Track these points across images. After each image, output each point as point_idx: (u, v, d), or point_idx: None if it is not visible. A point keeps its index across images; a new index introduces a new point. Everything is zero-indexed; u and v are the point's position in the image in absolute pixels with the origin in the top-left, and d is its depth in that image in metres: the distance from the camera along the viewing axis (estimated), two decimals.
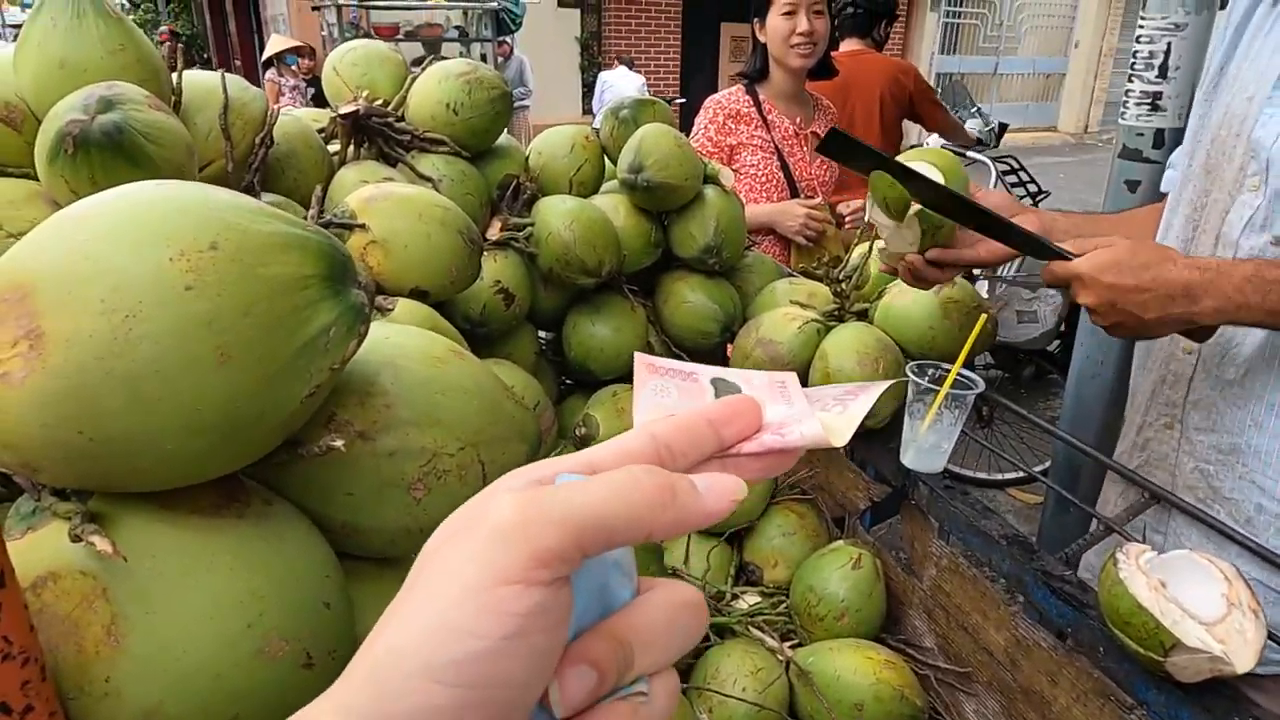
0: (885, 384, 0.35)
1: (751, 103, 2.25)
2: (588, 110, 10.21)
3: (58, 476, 0.38)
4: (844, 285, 1.35)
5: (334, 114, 1.28)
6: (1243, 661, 0.74)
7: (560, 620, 0.23)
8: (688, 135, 1.46)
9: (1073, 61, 14.10)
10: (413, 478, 0.48)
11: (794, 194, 2.26)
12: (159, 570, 0.37)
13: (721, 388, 0.33)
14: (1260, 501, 1.07)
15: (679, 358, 1.51)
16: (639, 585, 0.27)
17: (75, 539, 0.36)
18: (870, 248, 1.39)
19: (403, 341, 0.51)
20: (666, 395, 0.32)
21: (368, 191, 0.98)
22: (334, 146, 1.30)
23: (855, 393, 0.34)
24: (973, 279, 2.86)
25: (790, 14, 2.14)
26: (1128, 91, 1.64)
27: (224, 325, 0.36)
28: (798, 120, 2.29)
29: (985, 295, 2.76)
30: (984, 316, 1.13)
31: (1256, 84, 1.03)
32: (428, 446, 0.48)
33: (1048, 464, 2.42)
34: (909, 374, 1.16)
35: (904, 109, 3.04)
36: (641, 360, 0.34)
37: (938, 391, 1.12)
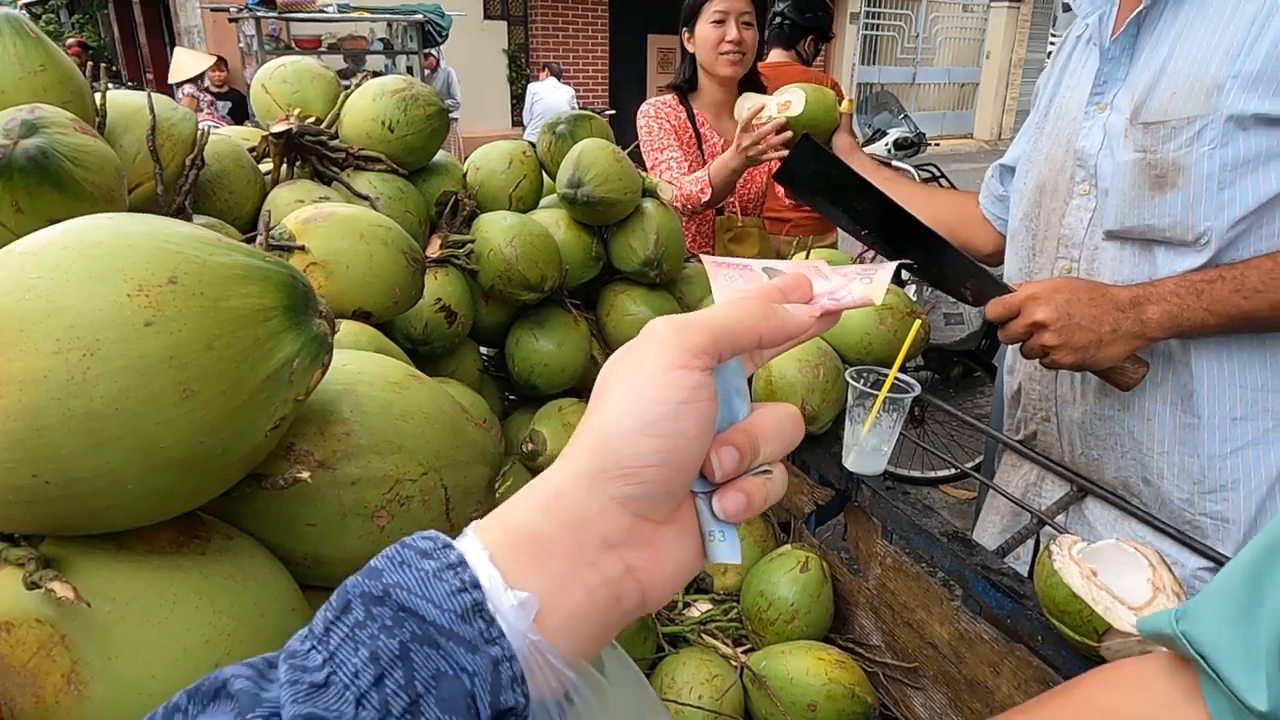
0: (894, 264, 0.44)
1: (683, 108, 2.28)
2: (518, 122, 10.17)
3: (11, 522, 0.36)
4: None
5: (265, 133, 1.25)
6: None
7: (711, 396, 0.33)
8: (621, 146, 1.47)
9: (985, 72, 14.70)
10: (375, 505, 0.47)
11: (719, 212, 2.28)
12: (119, 614, 0.36)
13: (772, 273, 0.43)
14: (1144, 478, 1.18)
15: None
16: (753, 408, 0.38)
17: (32, 586, 0.35)
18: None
19: (361, 368, 0.50)
20: (734, 281, 0.42)
21: (306, 212, 0.96)
22: (265, 166, 1.27)
23: (873, 269, 0.42)
24: (902, 284, 2.96)
25: (720, 23, 2.16)
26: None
27: (186, 360, 0.35)
28: (725, 137, 2.29)
29: (915, 300, 2.86)
30: (918, 323, 1.18)
31: (1076, 105, 1.16)
32: (390, 473, 0.48)
33: (978, 460, 2.51)
34: (848, 380, 1.20)
35: None
36: (707, 260, 0.44)
37: (876, 396, 1.15)
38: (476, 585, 0.30)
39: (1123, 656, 0.81)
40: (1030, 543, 1.25)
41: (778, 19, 3.03)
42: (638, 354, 0.33)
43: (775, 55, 3.19)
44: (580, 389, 1.50)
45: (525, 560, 0.31)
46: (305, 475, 0.41)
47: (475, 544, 0.31)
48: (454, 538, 0.54)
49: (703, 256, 0.44)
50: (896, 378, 1.17)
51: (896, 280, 2.97)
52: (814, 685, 1.04)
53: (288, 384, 0.39)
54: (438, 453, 0.50)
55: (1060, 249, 1.20)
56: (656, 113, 2.25)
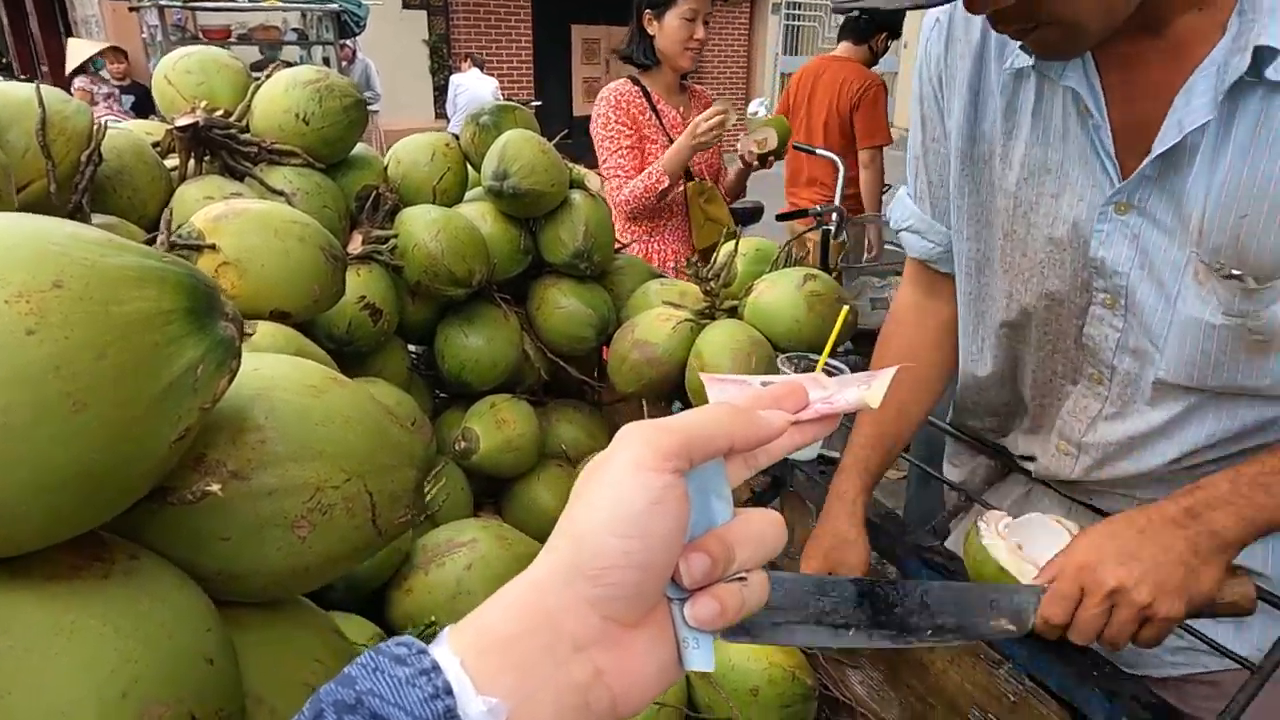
0: (894, 369, 0.44)
1: (641, 93, 2.37)
2: (440, 114, 9.97)
3: None
4: (713, 284, 1.38)
5: (170, 126, 1.19)
6: None
7: (681, 499, 0.34)
8: (548, 138, 1.45)
9: (903, 61, 15.06)
10: (295, 515, 0.45)
11: (689, 178, 2.37)
12: (15, 645, 0.33)
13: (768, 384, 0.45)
14: None
15: (556, 363, 1.50)
16: (735, 514, 0.38)
17: None
18: (735, 247, 1.43)
19: (275, 372, 0.48)
20: (728, 393, 0.43)
21: (216, 209, 0.91)
22: (171, 161, 1.21)
23: (872, 376, 0.43)
24: (829, 270, 3.01)
25: (690, 20, 2.28)
26: None
27: (75, 370, 0.33)
28: (679, 110, 2.43)
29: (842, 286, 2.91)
30: (845, 309, 1.19)
31: (1071, 191, 0.87)
32: (310, 481, 0.46)
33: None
34: (780, 366, 1.21)
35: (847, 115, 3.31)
36: (708, 378, 0.46)
37: None
38: (449, 691, 0.30)
39: None
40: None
41: (857, 13, 3.10)
42: (611, 457, 0.34)
43: (843, 49, 3.30)
44: (512, 384, 1.47)
45: (495, 664, 0.31)
46: (215, 488, 0.38)
47: (448, 649, 0.32)
48: (382, 544, 0.52)
49: (702, 375, 0.46)
50: (827, 363, 1.18)
51: (824, 268, 3.02)
52: (755, 670, 1.05)
53: (191, 392, 0.36)
54: (361, 457, 0.48)
55: (1083, 358, 0.96)
56: (617, 101, 2.35)
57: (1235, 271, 0.78)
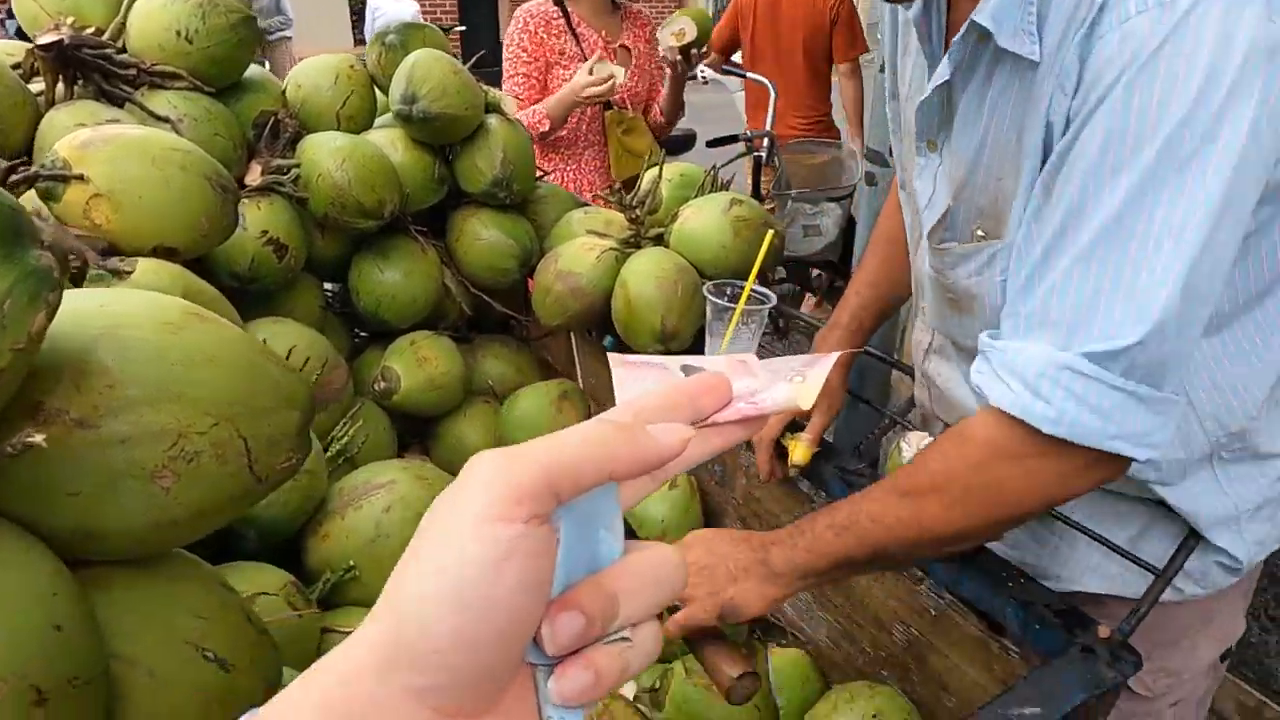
0: (834, 355, 0.38)
1: (560, 14, 2.22)
2: (360, 40, 9.46)
3: None
4: (638, 211, 1.34)
5: (31, 45, 1.08)
6: None
7: (542, 553, 0.26)
8: (465, 63, 1.37)
9: None
10: (155, 465, 0.41)
11: (608, 107, 2.25)
12: None
13: (690, 372, 0.36)
14: None
15: (479, 298, 1.45)
16: (627, 548, 0.30)
17: None
18: (660, 172, 1.39)
19: (124, 309, 0.43)
20: (644, 384, 0.36)
21: (83, 135, 0.83)
22: (38, 86, 1.10)
23: (810, 363, 0.37)
24: (760, 199, 2.98)
25: None
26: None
27: None
28: (603, 33, 2.27)
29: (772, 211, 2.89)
30: (770, 233, 1.17)
31: (909, 117, 0.87)
32: (170, 427, 0.41)
33: None
34: (706, 294, 1.18)
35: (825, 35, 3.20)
36: (615, 360, 0.37)
37: (734, 309, 1.15)
38: None
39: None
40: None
41: None
42: (454, 498, 0.26)
43: None
44: (434, 321, 1.42)
45: None
46: (37, 439, 0.34)
47: None
48: (264, 491, 0.48)
49: (610, 356, 0.37)
50: (754, 289, 1.16)
51: (755, 196, 2.99)
52: None
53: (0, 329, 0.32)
54: (230, 400, 0.44)
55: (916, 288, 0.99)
56: (525, 23, 2.20)
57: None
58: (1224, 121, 0.59)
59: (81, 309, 0.42)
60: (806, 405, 0.34)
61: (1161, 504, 0.83)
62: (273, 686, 0.53)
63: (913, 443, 0.90)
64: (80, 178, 0.80)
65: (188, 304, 0.46)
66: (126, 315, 0.42)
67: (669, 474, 0.31)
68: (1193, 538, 0.83)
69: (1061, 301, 0.67)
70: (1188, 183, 0.60)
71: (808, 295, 3.41)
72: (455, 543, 0.25)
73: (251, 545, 0.90)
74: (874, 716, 0.88)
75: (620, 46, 2.29)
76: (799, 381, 0.35)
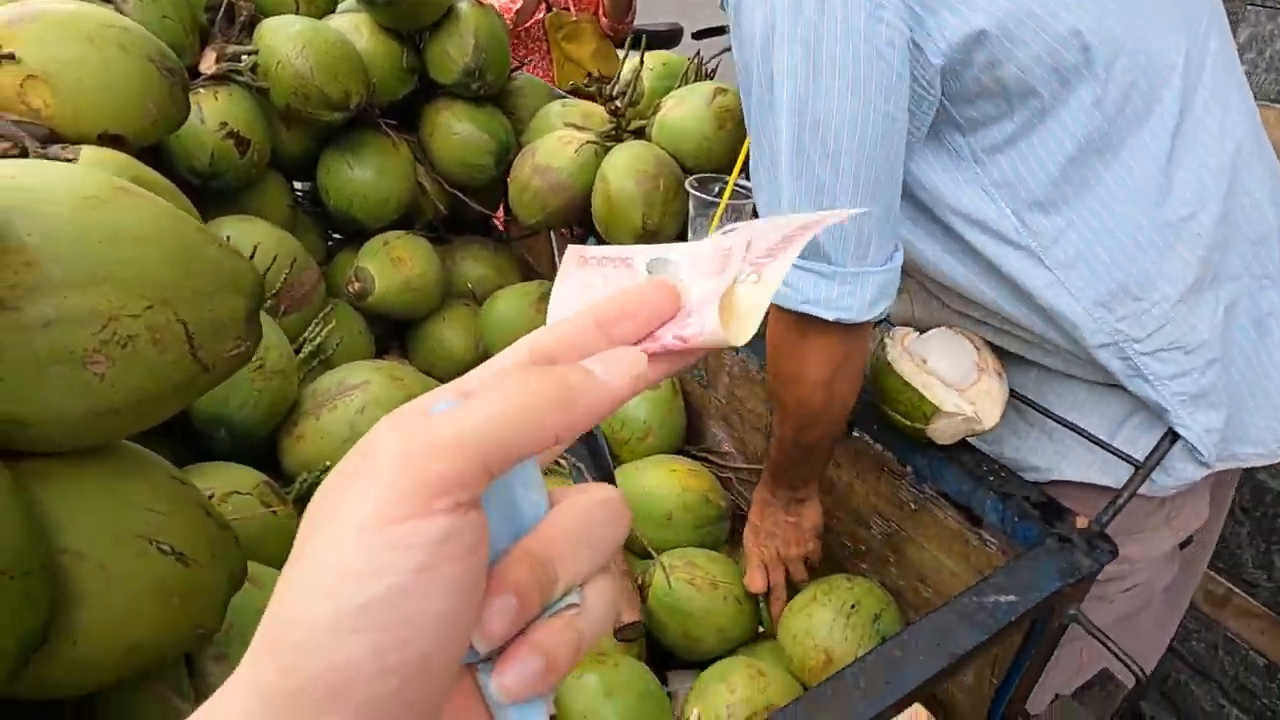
0: (814, 231, 0.27)
1: None
2: None
3: None
4: (618, 103, 1.28)
5: None
6: (990, 418, 0.82)
7: (474, 546, 0.21)
8: None
9: None
10: (86, 350, 0.38)
11: (548, 8, 2.11)
12: None
13: (656, 269, 0.29)
14: None
15: (455, 196, 1.40)
16: (551, 498, 0.25)
17: None
18: (641, 61, 1.32)
19: (39, 183, 0.39)
20: (590, 290, 0.28)
21: (9, 11, 0.77)
22: None
23: (783, 246, 0.27)
24: None
25: None
26: None
27: None
28: None
29: None
30: None
31: None
32: (100, 309, 0.39)
33: None
34: (689, 189, 1.14)
35: None
36: (573, 252, 0.29)
37: (718, 204, 1.11)
38: None
39: (949, 436, 0.84)
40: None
41: None
42: (344, 494, 0.21)
43: None
44: (408, 220, 1.37)
45: None
46: None
47: None
48: (212, 380, 0.46)
49: (569, 250, 0.30)
50: (737, 184, 1.12)
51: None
52: (668, 496, 1.05)
53: None
54: (164, 281, 0.41)
55: None
56: None
57: None
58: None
59: None
60: (739, 341, 0.26)
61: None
62: (237, 581, 0.52)
63: (897, 338, 0.88)
64: (11, 57, 0.74)
65: (113, 178, 0.42)
66: (42, 190, 0.39)
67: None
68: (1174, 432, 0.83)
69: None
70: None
71: None
72: (356, 548, 0.20)
73: (224, 446, 0.89)
74: (852, 607, 0.89)
75: None
76: (753, 281, 0.27)
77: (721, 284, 0.27)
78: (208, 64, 1.13)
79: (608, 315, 0.26)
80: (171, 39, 1.04)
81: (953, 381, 0.85)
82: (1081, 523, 0.78)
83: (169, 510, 0.46)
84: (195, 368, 0.43)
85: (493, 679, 0.22)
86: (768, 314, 0.73)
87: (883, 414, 0.88)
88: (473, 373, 0.25)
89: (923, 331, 0.89)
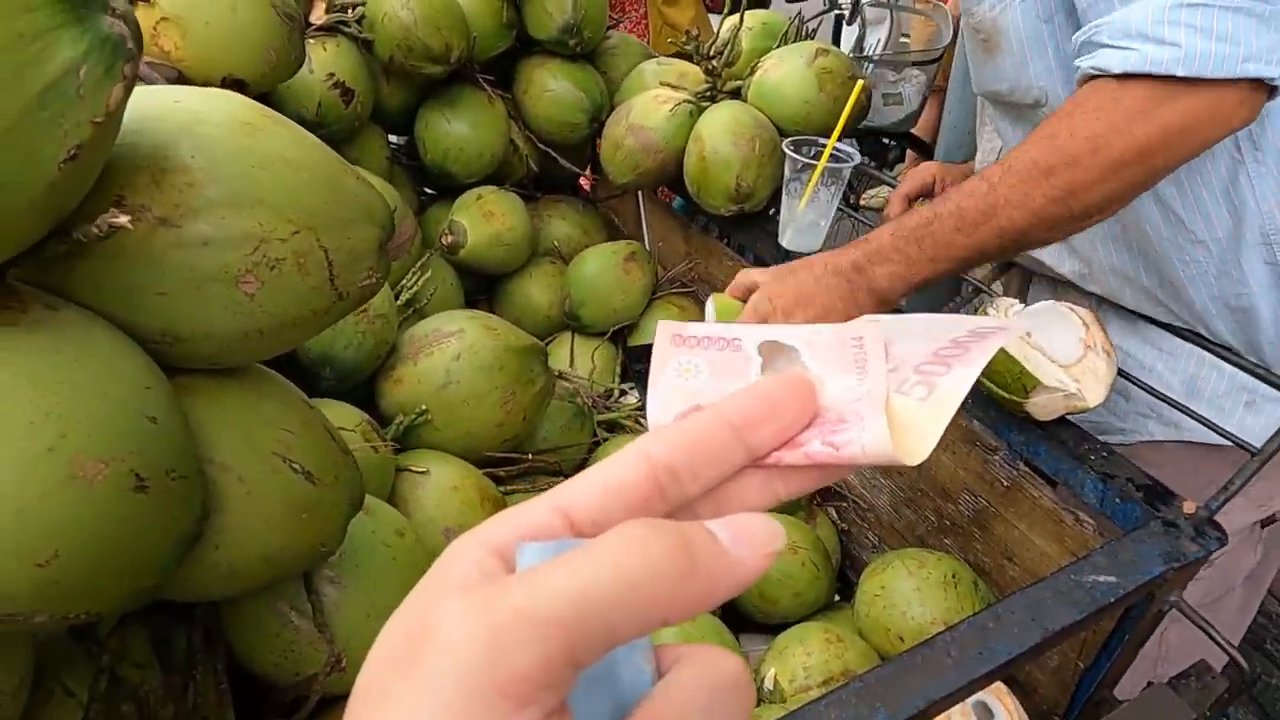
0: (997, 343, 0.23)
1: None
2: None
3: None
4: (715, 63, 1.26)
5: None
6: (1094, 396, 0.80)
7: None
8: None
9: None
10: (239, 270, 0.40)
11: None
12: None
13: (776, 358, 0.24)
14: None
15: (547, 154, 1.40)
16: (657, 660, 0.19)
17: None
18: (740, 20, 1.30)
19: (201, 106, 0.41)
20: (694, 376, 0.24)
21: None
22: None
23: (955, 352, 0.23)
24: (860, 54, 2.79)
25: None
26: None
27: None
28: None
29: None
30: (860, 83, 1.09)
31: None
32: (252, 231, 0.40)
33: None
34: (786, 151, 1.12)
35: None
36: (665, 331, 0.24)
37: (815, 166, 1.09)
38: None
39: (1048, 412, 0.82)
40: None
41: None
42: (396, 679, 0.17)
43: None
44: (500, 177, 1.39)
45: None
46: (123, 220, 0.33)
47: None
48: (344, 308, 0.48)
49: (659, 324, 0.25)
50: (835, 147, 1.10)
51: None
52: None
53: (76, 99, 0.30)
54: (310, 208, 0.42)
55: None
56: None
57: None
58: None
59: (156, 103, 0.40)
60: (914, 461, 0.22)
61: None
62: (356, 504, 0.54)
63: (1000, 309, 0.86)
64: (148, 0, 0.78)
65: (263, 107, 0.44)
66: (203, 113, 0.41)
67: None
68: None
69: None
70: None
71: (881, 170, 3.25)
72: None
73: (328, 384, 0.92)
74: (953, 576, 0.88)
75: None
76: (920, 398, 0.22)
77: (874, 388, 0.23)
78: (318, 14, 1.16)
79: (745, 417, 0.21)
80: None
81: (1057, 356, 0.82)
82: (1189, 507, 0.76)
83: (300, 431, 0.48)
84: (332, 295, 0.45)
85: None
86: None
87: (979, 385, 0.86)
88: (575, 483, 0.21)
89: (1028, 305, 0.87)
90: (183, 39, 0.80)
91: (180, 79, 0.81)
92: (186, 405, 0.43)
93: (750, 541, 0.19)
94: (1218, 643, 0.68)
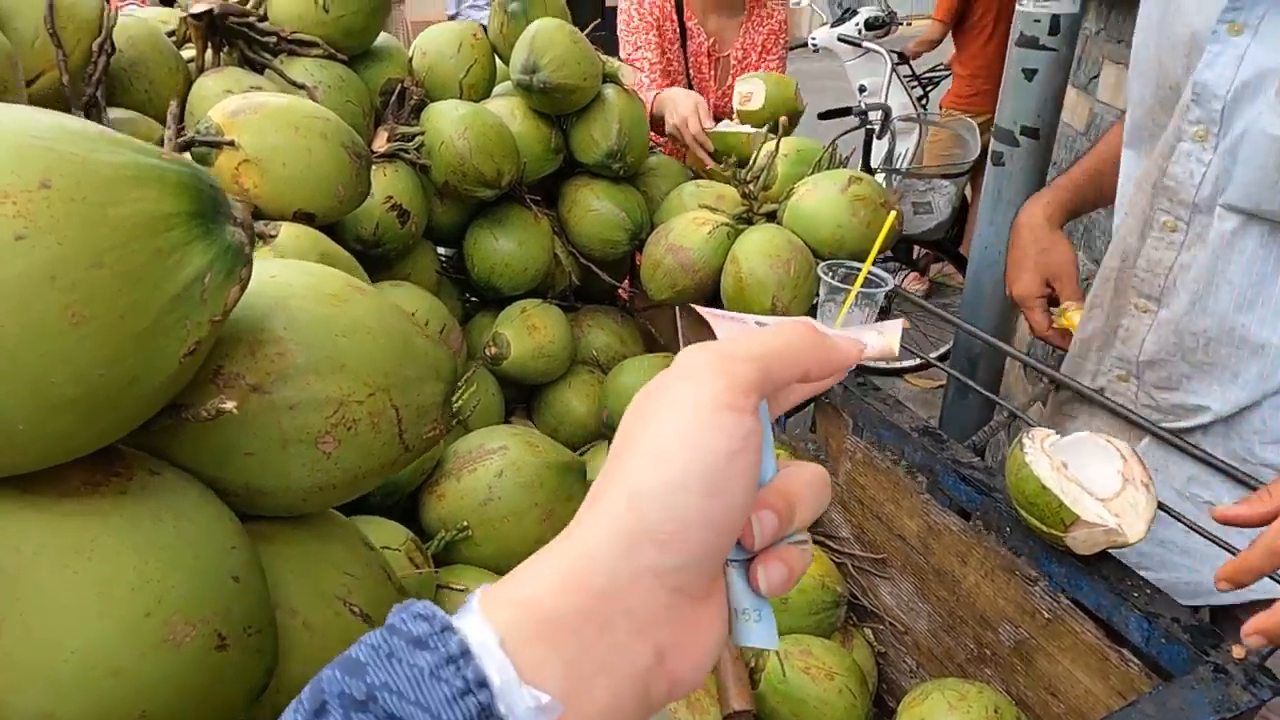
0: (900, 321, 0.41)
1: (673, 6, 1.95)
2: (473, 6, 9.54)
3: None
4: (751, 186, 1.32)
5: (184, 14, 1.13)
6: (1135, 532, 0.80)
7: (758, 445, 0.28)
8: (579, 27, 1.36)
9: None
10: (319, 431, 0.43)
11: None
12: (27, 564, 0.32)
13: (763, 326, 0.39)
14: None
15: (588, 268, 1.46)
16: (778, 464, 0.32)
17: None
18: (777, 147, 1.36)
19: (293, 280, 0.45)
20: (733, 329, 0.39)
21: (234, 103, 0.87)
22: (188, 53, 1.16)
23: (882, 326, 0.40)
24: (872, 172, 2.89)
25: None
26: None
27: (71, 280, 0.30)
28: (711, 42, 2.01)
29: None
30: (893, 214, 1.13)
31: (1198, 11, 0.86)
32: (333, 395, 0.44)
33: (945, 349, 2.53)
34: (820, 274, 1.16)
35: None
36: (707, 314, 0.40)
37: (849, 290, 1.12)
38: (483, 683, 0.24)
39: (1088, 546, 0.82)
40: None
41: None
42: (672, 392, 0.28)
43: None
44: (543, 289, 1.44)
45: (542, 648, 0.25)
46: (230, 405, 0.36)
47: (482, 625, 0.25)
48: (410, 459, 0.51)
49: (700, 310, 0.42)
50: (870, 272, 1.13)
51: (865, 170, 2.89)
52: None
53: (200, 303, 0.34)
54: (385, 370, 0.46)
55: (1161, 198, 0.93)
56: (629, 17, 1.96)
57: None
58: None
59: (254, 280, 0.44)
60: (896, 352, 0.38)
61: None
62: None
63: (1037, 439, 0.87)
64: (231, 144, 0.84)
65: (348, 277, 0.48)
66: (295, 286, 0.45)
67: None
68: None
69: None
70: None
71: (912, 274, 3.31)
72: (698, 432, 0.27)
73: (373, 500, 0.95)
74: (995, 711, 0.86)
75: (722, 57, 2.01)
76: (879, 335, 0.39)
77: (855, 333, 0.38)
78: (380, 143, 1.24)
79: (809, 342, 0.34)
80: (352, 121, 1.15)
81: (1095, 490, 0.83)
82: (1238, 652, 0.74)
83: (361, 574, 0.50)
84: (400, 448, 0.48)
85: (753, 573, 0.30)
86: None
87: (1017, 516, 0.86)
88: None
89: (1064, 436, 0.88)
90: (261, 178, 0.86)
91: (256, 214, 0.87)
92: (260, 551, 0.46)
93: (849, 343, 0.33)
94: None
